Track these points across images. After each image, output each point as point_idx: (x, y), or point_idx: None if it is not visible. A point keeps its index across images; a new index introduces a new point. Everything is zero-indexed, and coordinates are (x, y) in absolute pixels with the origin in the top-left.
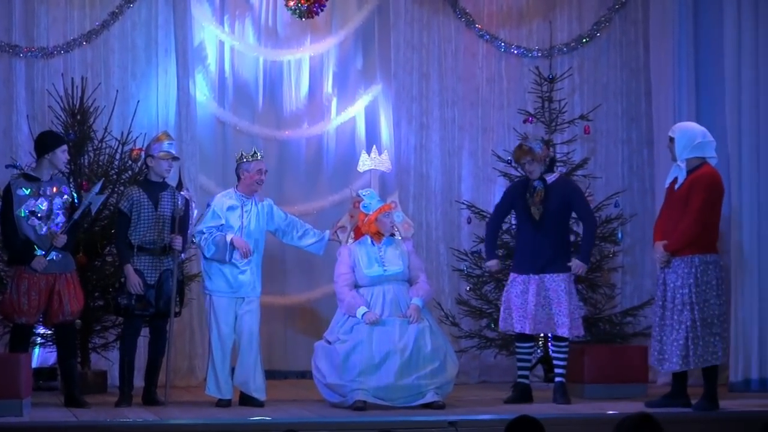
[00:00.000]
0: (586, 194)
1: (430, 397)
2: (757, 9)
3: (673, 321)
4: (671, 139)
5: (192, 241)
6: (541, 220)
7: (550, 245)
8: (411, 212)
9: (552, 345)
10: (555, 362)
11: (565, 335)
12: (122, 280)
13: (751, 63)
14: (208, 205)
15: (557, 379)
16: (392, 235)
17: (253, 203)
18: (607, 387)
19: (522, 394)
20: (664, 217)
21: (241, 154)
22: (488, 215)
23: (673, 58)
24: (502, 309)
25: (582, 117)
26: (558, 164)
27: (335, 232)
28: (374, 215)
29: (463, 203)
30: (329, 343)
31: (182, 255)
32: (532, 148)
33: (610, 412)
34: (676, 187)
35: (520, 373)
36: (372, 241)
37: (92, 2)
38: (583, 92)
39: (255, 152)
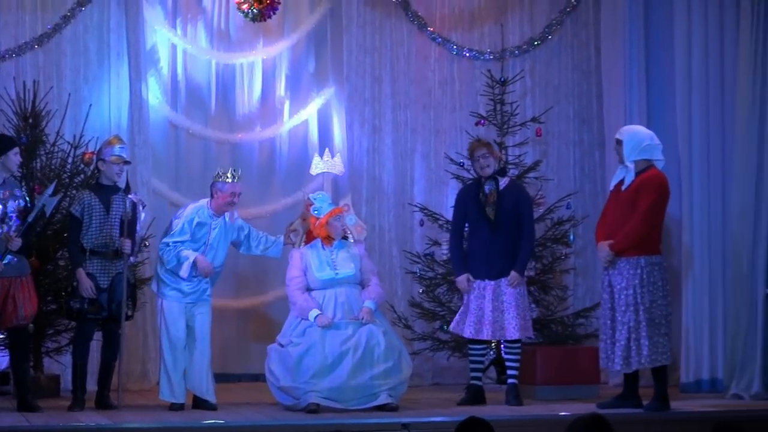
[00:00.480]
0: (538, 197)
1: (383, 399)
2: (706, 11)
3: (617, 322)
4: (618, 142)
5: (145, 245)
6: (496, 222)
7: (504, 250)
8: (364, 215)
9: (504, 347)
10: (507, 364)
11: (516, 337)
12: (74, 284)
13: (701, 65)
14: (177, 216)
15: (509, 380)
16: (344, 238)
17: (223, 221)
18: (559, 388)
19: (475, 395)
20: (608, 218)
21: (218, 172)
22: (441, 218)
23: (624, 60)
24: (459, 311)
25: (534, 119)
26: (510, 167)
27: (288, 235)
28: (325, 219)
29: (415, 206)
30: (282, 346)
31: (131, 259)
32: (490, 143)
33: (562, 413)
34: (623, 188)
35: (473, 375)
36: (323, 245)
37: (44, 6)
38: (534, 95)
39: (232, 173)
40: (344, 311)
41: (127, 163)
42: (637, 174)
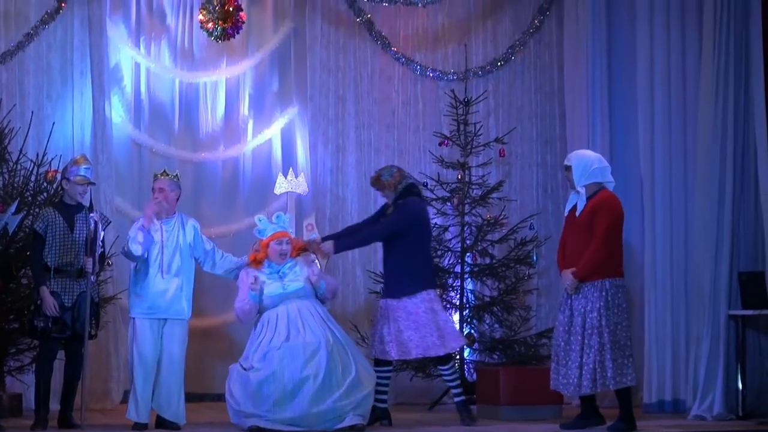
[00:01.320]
0: (501, 217)
1: (349, 421)
2: (669, 34)
3: (581, 345)
4: (567, 168)
5: (109, 264)
6: (396, 243)
7: (392, 269)
8: (327, 234)
9: (439, 368)
10: (447, 384)
11: (441, 354)
12: (38, 302)
13: (663, 86)
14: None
15: (455, 399)
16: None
17: (176, 221)
18: (523, 409)
19: (380, 416)
20: (567, 245)
21: (155, 174)
22: None
23: (587, 82)
24: (375, 337)
25: (497, 140)
26: (474, 188)
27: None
28: (266, 241)
29: None
30: (245, 369)
31: (92, 277)
32: (380, 176)
33: None
34: (577, 213)
35: (378, 397)
36: (273, 265)
37: (7, 23)
38: (498, 115)
39: (164, 171)
40: (298, 327)
41: (91, 183)
42: (589, 198)
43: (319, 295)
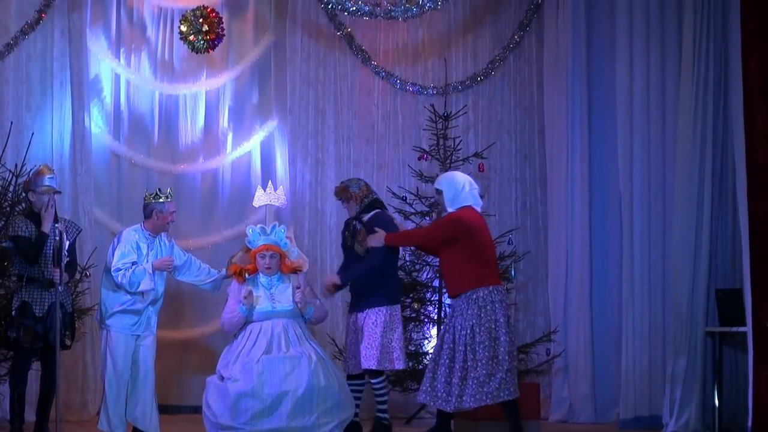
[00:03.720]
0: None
1: None
2: (648, 49)
3: (456, 361)
4: (439, 192)
5: (87, 275)
6: (362, 258)
7: (368, 283)
8: (306, 248)
9: (370, 381)
10: (374, 398)
11: (373, 367)
12: (12, 312)
13: (642, 103)
14: (118, 241)
15: (376, 414)
16: (297, 271)
17: (159, 241)
18: (500, 425)
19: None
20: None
21: (156, 193)
22: None
23: (566, 98)
24: (349, 351)
25: (476, 155)
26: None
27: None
28: (253, 253)
29: None
30: (222, 379)
31: (59, 288)
32: (347, 186)
33: None
34: None
35: (379, 407)
36: (263, 277)
37: None
38: (477, 130)
39: (170, 193)
40: (281, 343)
41: (57, 192)
42: None
43: (305, 319)
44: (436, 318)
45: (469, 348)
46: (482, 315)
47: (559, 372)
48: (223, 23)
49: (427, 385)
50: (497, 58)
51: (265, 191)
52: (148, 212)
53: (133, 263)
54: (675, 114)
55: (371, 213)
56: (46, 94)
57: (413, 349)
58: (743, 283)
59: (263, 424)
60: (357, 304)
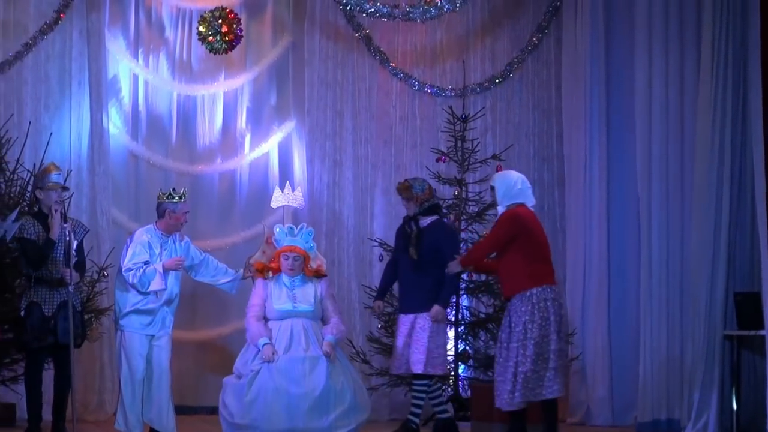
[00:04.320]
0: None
1: None
2: (667, 51)
3: (507, 358)
4: (492, 188)
5: (104, 275)
6: (418, 260)
7: (423, 286)
8: (324, 249)
9: (412, 382)
10: (411, 400)
11: (420, 372)
12: (21, 314)
13: (661, 105)
14: (130, 241)
15: (408, 416)
16: (321, 275)
17: (173, 241)
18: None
19: (444, 429)
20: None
21: (170, 193)
22: None
23: (585, 100)
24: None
25: (494, 157)
26: (470, 204)
27: (247, 269)
28: (278, 252)
29: (375, 241)
30: (239, 378)
31: (70, 288)
32: (411, 186)
33: None
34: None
35: (435, 409)
36: (286, 277)
37: (6, 33)
38: (495, 132)
39: (183, 193)
40: (300, 341)
41: (65, 188)
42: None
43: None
44: (453, 320)
45: (520, 344)
46: (535, 312)
47: (576, 374)
48: (241, 24)
49: (499, 388)
50: (515, 60)
51: (282, 192)
52: (161, 211)
53: (145, 263)
54: (694, 117)
55: (430, 219)
56: (64, 94)
57: None
58: (762, 286)
59: (280, 424)
60: (407, 307)
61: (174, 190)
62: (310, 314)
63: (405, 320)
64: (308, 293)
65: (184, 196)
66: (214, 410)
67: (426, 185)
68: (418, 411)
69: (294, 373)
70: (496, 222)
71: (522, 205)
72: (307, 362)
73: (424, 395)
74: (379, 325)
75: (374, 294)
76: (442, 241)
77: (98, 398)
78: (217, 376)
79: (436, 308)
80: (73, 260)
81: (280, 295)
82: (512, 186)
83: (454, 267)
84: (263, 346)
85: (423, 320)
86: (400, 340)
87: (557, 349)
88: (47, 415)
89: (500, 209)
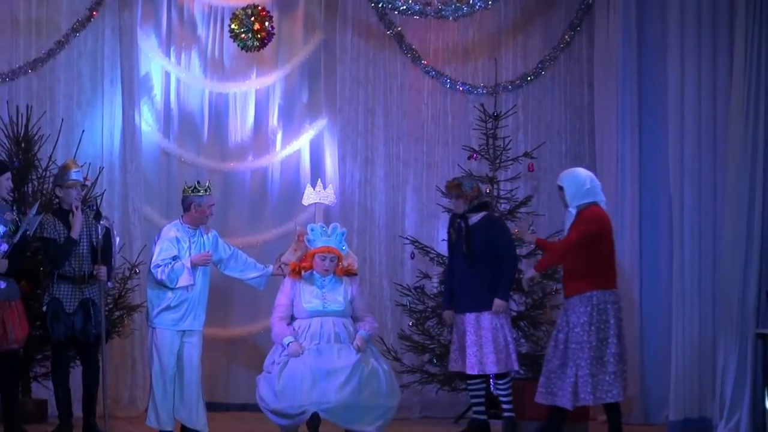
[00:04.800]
0: (530, 231)
1: (369, 428)
2: (699, 49)
3: (563, 359)
4: (560, 188)
5: (136, 272)
6: (471, 257)
7: (481, 283)
8: (355, 247)
9: (495, 383)
10: (500, 399)
11: (495, 371)
12: (43, 309)
13: (694, 103)
14: (158, 238)
15: (504, 414)
16: (351, 274)
17: (200, 234)
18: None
19: (476, 430)
20: (564, 265)
21: (195, 186)
22: (432, 251)
23: (617, 98)
24: (452, 348)
25: (526, 154)
26: (502, 202)
27: (279, 266)
28: (312, 252)
29: (406, 238)
30: (269, 372)
31: (109, 284)
32: (461, 184)
33: None
34: (565, 232)
35: (474, 409)
36: (317, 276)
37: (38, 31)
38: (527, 130)
39: (208, 186)
40: (329, 336)
41: (84, 186)
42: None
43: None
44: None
45: (579, 347)
46: (594, 314)
47: None
48: (273, 21)
49: (543, 386)
50: (547, 57)
51: (314, 189)
52: (186, 205)
53: (174, 258)
54: (726, 115)
55: (480, 215)
56: (96, 91)
57: None
58: None
59: (311, 398)
60: (468, 306)
61: (199, 183)
62: (340, 313)
63: (468, 319)
64: (338, 293)
65: (209, 189)
66: (244, 407)
67: (474, 183)
68: (509, 406)
69: (324, 355)
70: (577, 222)
71: (595, 204)
72: (334, 348)
73: (510, 390)
74: (411, 323)
75: (407, 292)
76: (495, 235)
77: (130, 394)
78: (248, 373)
79: (497, 302)
80: (117, 256)
81: (311, 295)
82: (582, 185)
83: (530, 274)
84: (288, 344)
85: (487, 320)
86: (468, 339)
87: (616, 353)
88: (79, 411)
89: (572, 210)
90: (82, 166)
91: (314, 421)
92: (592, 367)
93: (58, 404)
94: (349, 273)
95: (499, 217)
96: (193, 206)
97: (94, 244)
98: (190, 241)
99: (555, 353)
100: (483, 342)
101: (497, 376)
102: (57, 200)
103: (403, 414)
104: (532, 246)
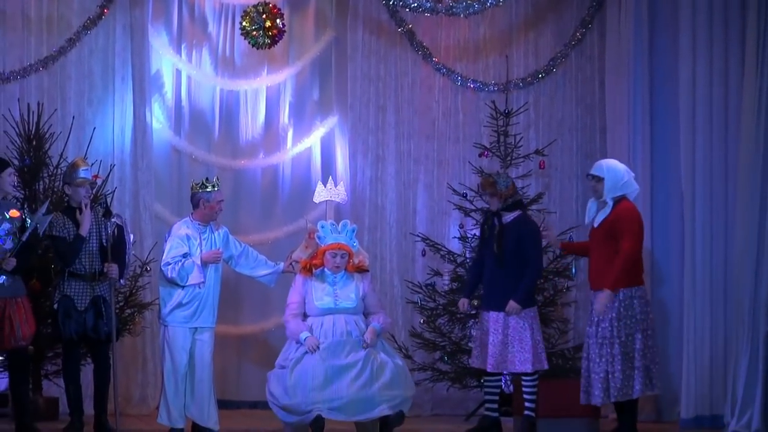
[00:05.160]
0: (542, 228)
1: (384, 410)
2: (711, 47)
3: (596, 355)
4: (598, 179)
5: (147, 270)
6: (501, 255)
7: (508, 282)
8: (366, 244)
9: (522, 380)
10: (524, 396)
11: (528, 370)
12: (54, 306)
13: (705, 101)
14: (168, 235)
15: (525, 412)
16: (362, 270)
17: (210, 231)
18: (560, 422)
19: (487, 427)
20: (593, 258)
21: (202, 183)
22: (443, 248)
23: (629, 95)
24: (474, 345)
25: (537, 152)
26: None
27: (290, 263)
28: (323, 249)
29: (417, 236)
30: (282, 368)
31: (121, 281)
32: (496, 182)
33: None
34: (596, 224)
35: (487, 406)
36: (328, 273)
37: (50, 28)
38: (538, 127)
39: (216, 182)
40: (343, 333)
41: (93, 184)
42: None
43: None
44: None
45: (607, 342)
46: (621, 310)
47: None
48: (284, 19)
49: (584, 383)
50: (559, 55)
51: (325, 187)
52: (195, 201)
53: (185, 255)
54: (738, 113)
55: (513, 214)
56: (107, 89)
57: (472, 346)
58: None
59: (323, 396)
60: (494, 304)
61: (207, 179)
62: (351, 310)
63: (495, 318)
64: (350, 290)
65: (217, 184)
66: (255, 404)
67: (510, 181)
68: (532, 405)
69: (335, 351)
70: (622, 221)
71: (625, 198)
72: (347, 345)
73: (535, 388)
74: (422, 321)
75: (418, 289)
76: (525, 236)
77: (141, 392)
78: (260, 370)
79: (511, 303)
80: (130, 254)
81: (322, 292)
82: (621, 178)
83: (605, 297)
84: (305, 339)
85: (514, 319)
86: (491, 337)
87: (642, 348)
88: (90, 408)
89: (608, 201)
90: (91, 165)
91: (318, 423)
92: (622, 363)
93: (69, 402)
94: (361, 270)
95: (532, 218)
96: (201, 202)
97: (104, 242)
98: (200, 237)
99: (588, 349)
100: (509, 341)
101: (524, 374)
102: (67, 198)
103: (414, 411)
104: (558, 251)
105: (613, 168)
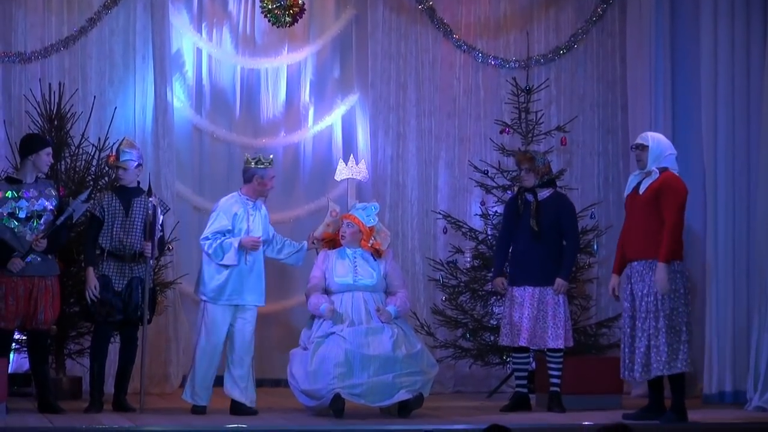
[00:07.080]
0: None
1: (403, 395)
2: (733, 23)
3: (637, 330)
4: (642, 147)
5: (169, 248)
6: (539, 232)
7: (545, 258)
8: (387, 221)
9: (547, 356)
10: (549, 372)
11: (556, 346)
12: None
13: (727, 77)
14: (214, 210)
15: (551, 388)
16: (379, 253)
17: (256, 208)
18: (582, 398)
19: (518, 402)
20: (629, 225)
21: (259, 159)
22: (464, 225)
23: (650, 71)
24: (503, 323)
25: (558, 128)
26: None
27: (312, 241)
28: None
29: (439, 213)
30: (305, 349)
31: (151, 262)
32: (534, 157)
33: (586, 422)
34: (641, 191)
35: (517, 382)
36: (349, 250)
37: (70, 8)
38: (559, 104)
39: (271, 159)
40: (362, 312)
41: (139, 165)
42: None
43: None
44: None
45: (652, 315)
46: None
47: None
48: None
49: (625, 359)
50: (580, 31)
51: (347, 165)
52: (248, 177)
53: (225, 233)
54: (760, 86)
55: (548, 191)
56: (128, 68)
57: (494, 323)
58: None
59: (345, 382)
60: (528, 278)
61: (262, 155)
62: (371, 288)
63: (527, 293)
64: (369, 267)
65: (272, 161)
66: (278, 383)
67: (546, 159)
68: (558, 381)
69: (357, 340)
70: (668, 190)
71: (667, 169)
72: (369, 333)
73: (561, 364)
74: (444, 298)
75: (439, 267)
76: (564, 213)
77: (163, 371)
78: (282, 349)
79: (559, 281)
80: (158, 234)
81: (342, 269)
82: (666, 149)
83: (662, 270)
84: (324, 310)
85: (550, 294)
86: (526, 312)
87: (687, 321)
88: (110, 387)
89: (653, 171)
90: (137, 147)
91: (338, 404)
92: (668, 336)
93: (91, 380)
94: (377, 253)
95: (567, 196)
96: (255, 178)
97: (146, 221)
98: (248, 214)
99: (624, 323)
100: (544, 316)
101: (550, 350)
102: (118, 176)
103: (437, 389)
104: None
105: (657, 138)
